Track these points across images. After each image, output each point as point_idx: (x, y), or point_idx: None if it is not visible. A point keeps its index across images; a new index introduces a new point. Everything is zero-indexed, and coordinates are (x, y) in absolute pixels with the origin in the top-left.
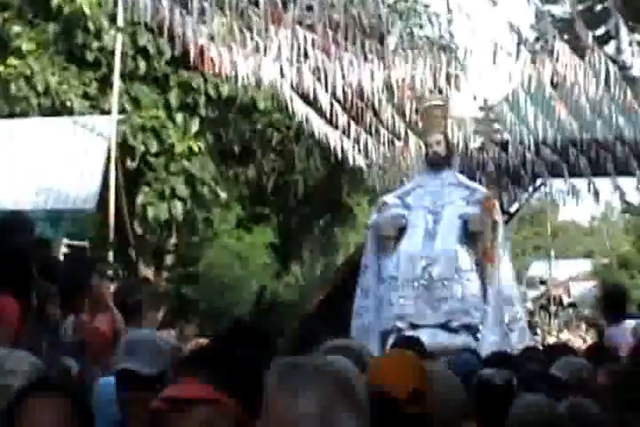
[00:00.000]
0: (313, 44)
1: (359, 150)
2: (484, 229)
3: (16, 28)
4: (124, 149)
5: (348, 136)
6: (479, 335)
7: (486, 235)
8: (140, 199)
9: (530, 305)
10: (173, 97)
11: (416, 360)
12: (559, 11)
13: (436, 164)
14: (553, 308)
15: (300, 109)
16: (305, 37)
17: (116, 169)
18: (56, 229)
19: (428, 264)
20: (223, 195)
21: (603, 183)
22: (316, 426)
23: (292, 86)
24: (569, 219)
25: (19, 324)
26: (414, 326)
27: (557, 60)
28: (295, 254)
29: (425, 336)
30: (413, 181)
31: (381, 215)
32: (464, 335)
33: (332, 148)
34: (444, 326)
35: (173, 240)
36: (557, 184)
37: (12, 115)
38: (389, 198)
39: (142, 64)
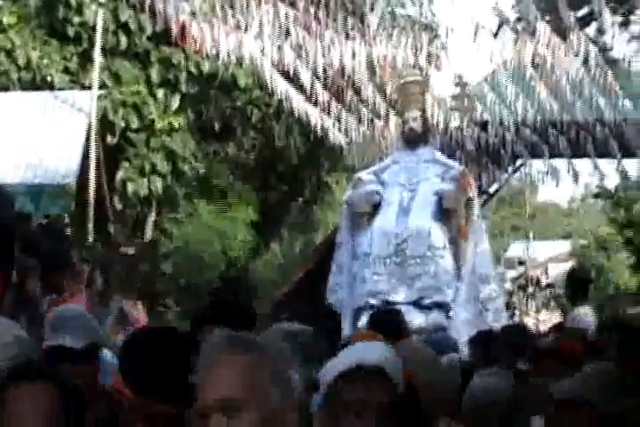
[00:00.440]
0: (295, 22)
1: (339, 128)
2: (458, 206)
3: None
4: (105, 124)
5: (329, 114)
6: (451, 313)
7: (460, 212)
8: (119, 175)
9: (508, 285)
10: (154, 73)
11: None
12: None
13: (412, 140)
14: (531, 288)
15: (281, 87)
16: (287, 14)
17: (97, 144)
18: (36, 203)
19: (402, 241)
20: (203, 171)
21: (582, 165)
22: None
23: (272, 64)
24: (548, 200)
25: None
26: (387, 303)
27: (538, 40)
28: (274, 232)
29: None
30: (390, 158)
31: (356, 192)
32: (436, 313)
33: (312, 125)
34: (417, 304)
35: (153, 216)
36: (537, 165)
37: None
38: (364, 175)
39: (123, 40)
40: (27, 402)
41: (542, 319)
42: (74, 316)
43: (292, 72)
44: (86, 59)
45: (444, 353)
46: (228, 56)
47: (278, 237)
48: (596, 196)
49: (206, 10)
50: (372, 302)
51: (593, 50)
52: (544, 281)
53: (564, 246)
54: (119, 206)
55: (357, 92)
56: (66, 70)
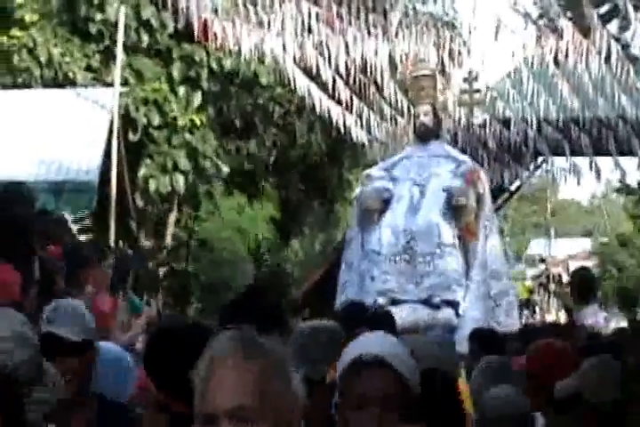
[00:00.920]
0: (317, 19)
1: (361, 126)
2: (467, 202)
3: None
4: (127, 121)
5: (351, 111)
6: (461, 311)
7: (470, 208)
8: (141, 172)
9: (529, 283)
10: (176, 70)
11: None
12: None
13: (423, 135)
14: (552, 286)
15: (303, 84)
16: (309, 11)
17: (118, 141)
18: (57, 200)
19: (411, 239)
20: (225, 168)
21: (603, 162)
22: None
23: (294, 61)
24: (569, 197)
25: (19, 295)
26: (395, 302)
27: (561, 37)
28: (295, 229)
29: (406, 312)
30: (401, 153)
31: (365, 188)
32: (445, 311)
33: (333, 123)
34: (426, 302)
35: (174, 213)
36: (559, 162)
37: (14, 86)
38: (374, 171)
39: (145, 37)
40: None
41: (564, 317)
42: (70, 308)
43: (313, 69)
44: (108, 56)
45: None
46: (250, 53)
47: (299, 234)
48: (618, 191)
49: (228, 7)
50: (381, 300)
51: (615, 47)
52: (565, 279)
53: (584, 244)
54: (141, 204)
55: (379, 89)
56: (88, 68)
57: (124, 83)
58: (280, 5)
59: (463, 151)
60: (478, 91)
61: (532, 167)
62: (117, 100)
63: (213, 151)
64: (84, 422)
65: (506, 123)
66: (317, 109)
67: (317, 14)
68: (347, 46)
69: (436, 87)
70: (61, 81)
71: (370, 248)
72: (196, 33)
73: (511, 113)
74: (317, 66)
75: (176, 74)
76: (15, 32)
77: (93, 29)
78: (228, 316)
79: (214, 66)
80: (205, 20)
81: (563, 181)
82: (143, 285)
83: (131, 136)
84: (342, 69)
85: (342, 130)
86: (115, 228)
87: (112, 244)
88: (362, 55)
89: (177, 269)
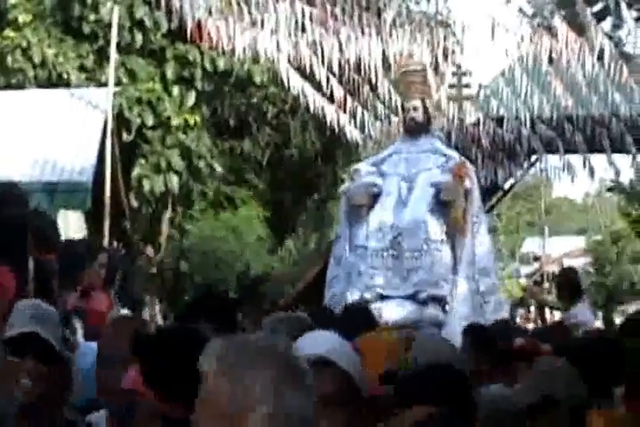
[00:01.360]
0: (311, 18)
1: (355, 125)
2: (456, 197)
3: (12, 0)
4: (120, 121)
5: (344, 110)
6: (448, 307)
7: (458, 204)
8: (135, 172)
9: (523, 281)
10: (170, 70)
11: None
12: None
13: (413, 130)
14: (546, 284)
15: (297, 83)
16: (303, 11)
17: (112, 141)
18: (51, 200)
19: (398, 234)
20: (219, 168)
21: (597, 160)
22: (264, 410)
23: (288, 60)
24: (562, 195)
25: (14, 296)
26: (382, 297)
27: (555, 35)
28: (289, 229)
29: (393, 308)
30: (390, 148)
31: (353, 183)
32: (432, 307)
33: (327, 122)
34: (413, 298)
35: (169, 213)
36: (552, 160)
37: (8, 86)
38: (363, 166)
39: (139, 37)
40: None
41: (559, 316)
42: (38, 308)
43: (307, 69)
44: (102, 56)
45: None
46: (244, 53)
47: (293, 233)
48: (610, 189)
49: (222, 7)
50: (367, 296)
51: (608, 45)
52: None
53: (578, 242)
54: (135, 204)
55: (373, 88)
56: (81, 68)
57: (118, 83)
58: (274, 5)
59: (457, 149)
60: (467, 86)
61: (525, 165)
62: (111, 101)
63: (207, 151)
64: None
65: (499, 121)
66: (311, 109)
67: (311, 13)
68: (340, 45)
69: (425, 82)
70: (55, 81)
71: (357, 243)
72: (189, 33)
73: (505, 111)
74: (311, 65)
75: (170, 74)
76: (9, 33)
77: (87, 29)
78: (185, 315)
79: (208, 66)
80: (199, 20)
81: (556, 179)
82: (136, 284)
83: (125, 136)
84: (336, 68)
85: (336, 129)
86: (109, 228)
87: (106, 244)
88: (356, 54)
89: (171, 268)
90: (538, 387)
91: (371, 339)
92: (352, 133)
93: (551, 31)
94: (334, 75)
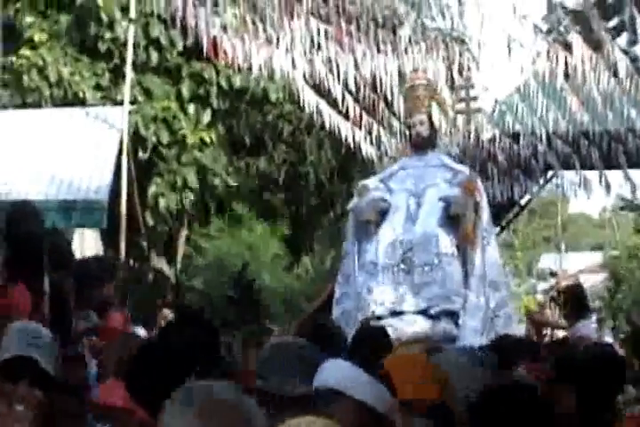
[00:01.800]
0: (326, 36)
1: (371, 142)
2: (465, 211)
3: (28, 19)
4: (136, 139)
5: (360, 127)
6: (460, 322)
7: (468, 217)
8: (151, 190)
9: (540, 297)
10: (185, 88)
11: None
12: (572, 2)
13: (419, 145)
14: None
15: (312, 101)
16: (318, 28)
17: (128, 160)
18: (68, 219)
19: (409, 249)
20: (234, 186)
21: (613, 175)
22: None
23: (304, 77)
24: (579, 211)
25: (29, 314)
26: (394, 313)
27: (570, 51)
28: (306, 246)
29: (404, 323)
30: (397, 164)
31: (361, 199)
32: (444, 322)
33: (343, 139)
34: (425, 313)
35: (185, 231)
36: (569, 176)
37: (24, 105)
38: (371, 182)
39: (154, 55)
40: None
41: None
42: (32, 332)
43: (323, 86)
44: (117, 74)
45: None
46: (260, 70)
47: (310, 250)
48: (622, 208)
49: (237, 24)
50: (379, 312)
51: (624, 60)
52: None
53: (595, 258)
54: (151, 222)
55: (389, 104)
56: (97, 86)
57: (134, 101)
58: (289, 22)
59: (472, 165)
60: (475, 98)
61: (541, 181)
62: (127, 119)
63: (223, 169)
64: None
65: (515, 137)
66: (327, 126)
67: (326, 31)
68: (356, 63)
69: (432, 97)
70: (71, 100)
71: (367, 259)
72: (205, 50)
73: (520, 127)
74: (327, 82)
75: (185, 92)
76: (25, 52)
77: (102, 48)
78: (166, 334)
79: (223, 83)
80: (214, 38)
81: (573, 194)
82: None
83: (140, 154)
84: (352, 86)
85: (352, 146)
86: (125, 246)
87: (122, 262)
88: (371, 71)
89: (187, 286)
90: None
91: (399, 358)
92: (368, 151)
93: (567, 47)
94: (350, 92)
